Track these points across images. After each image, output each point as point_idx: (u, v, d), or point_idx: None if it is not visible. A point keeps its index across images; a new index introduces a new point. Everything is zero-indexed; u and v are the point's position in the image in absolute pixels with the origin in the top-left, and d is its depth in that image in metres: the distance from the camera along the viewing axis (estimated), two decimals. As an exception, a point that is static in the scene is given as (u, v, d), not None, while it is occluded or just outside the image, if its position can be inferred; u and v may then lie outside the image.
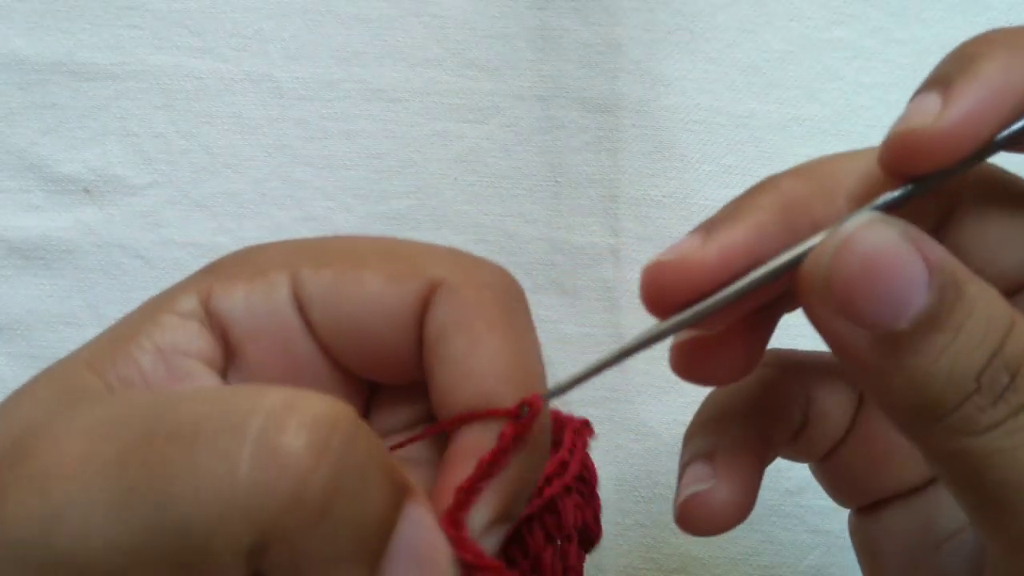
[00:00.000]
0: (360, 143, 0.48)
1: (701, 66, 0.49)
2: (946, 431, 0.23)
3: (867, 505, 0.32)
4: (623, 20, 0.48)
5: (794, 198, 0.27)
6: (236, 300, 0.26)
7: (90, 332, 0.27)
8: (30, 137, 0.47)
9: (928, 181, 0.25)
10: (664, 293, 0.26)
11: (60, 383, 0.25)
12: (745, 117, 0.48)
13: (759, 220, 0.26)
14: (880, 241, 0.22)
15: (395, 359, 0.27)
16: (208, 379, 0.26)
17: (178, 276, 0.28)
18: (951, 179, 0.25)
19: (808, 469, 0.34)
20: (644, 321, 0.53)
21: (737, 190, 0.28)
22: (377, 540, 0.21)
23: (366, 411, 0.29)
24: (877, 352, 0.23)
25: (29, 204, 0.47)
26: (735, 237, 0.26)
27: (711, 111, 0.48)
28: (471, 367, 0.25)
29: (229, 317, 0.26)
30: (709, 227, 0.27)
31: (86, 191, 0.47)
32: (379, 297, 0.26)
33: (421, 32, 0.48)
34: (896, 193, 0.25)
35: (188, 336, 0.26)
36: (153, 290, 0.28)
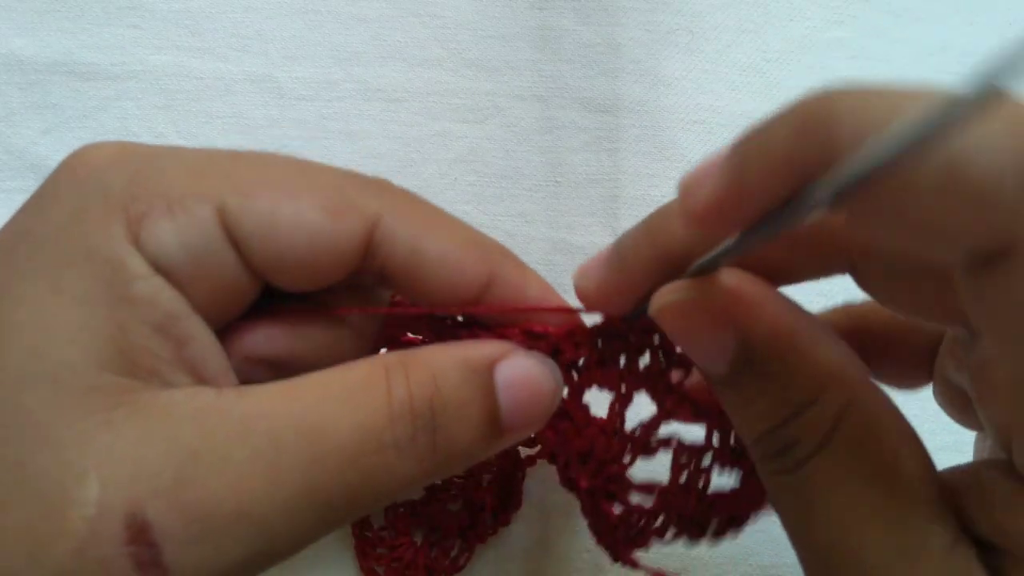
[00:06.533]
0: (360, 143, 0.48)
1: (701, 66, 0.49)
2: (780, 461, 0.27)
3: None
4: (623, 20, 0.48)
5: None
6: (167, 242, 0.26)
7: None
8: (30, 137, 0.47)
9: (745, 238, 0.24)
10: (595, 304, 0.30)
11: (92, 396, 0.25)
12: (745, 117, 0.48)
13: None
14: (684, 307, 0.26)
15: (328, 280, 0.29)
16: (205, 332, 0.27)
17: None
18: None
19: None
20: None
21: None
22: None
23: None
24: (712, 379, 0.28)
25: (29, 204, 0.47)
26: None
27: (711, 111, 0.48)
28: (436, 257, 0.29)
29: (166, 262, 0.26)
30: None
31: (86, 191, 0.47)
32: (321, 232, 0.27)
33: (421, 32, 0.48)
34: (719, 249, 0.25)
35: (166, 301, 0.26)
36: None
